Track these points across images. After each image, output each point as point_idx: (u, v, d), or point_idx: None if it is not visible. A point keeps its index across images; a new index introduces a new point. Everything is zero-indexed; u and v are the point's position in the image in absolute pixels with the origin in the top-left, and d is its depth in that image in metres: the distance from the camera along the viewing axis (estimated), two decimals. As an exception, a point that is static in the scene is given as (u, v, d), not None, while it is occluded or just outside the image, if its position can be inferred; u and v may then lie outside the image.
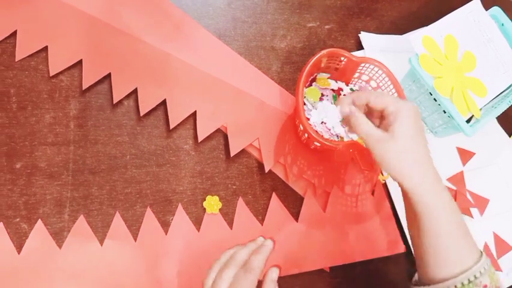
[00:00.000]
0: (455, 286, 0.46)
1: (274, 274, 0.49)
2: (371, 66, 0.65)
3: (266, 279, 0.48)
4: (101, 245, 0.57)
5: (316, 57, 0.62)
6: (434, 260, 0.48)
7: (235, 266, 0.47)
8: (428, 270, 0.49)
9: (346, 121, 0.50)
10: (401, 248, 0.67)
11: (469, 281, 0.46)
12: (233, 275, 0.47)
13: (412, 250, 0.53)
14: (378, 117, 0.51)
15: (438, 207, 0.47)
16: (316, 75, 0.68)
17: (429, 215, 0.47)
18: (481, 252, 0.49)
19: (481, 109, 0.66)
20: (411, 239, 0.52)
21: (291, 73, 0.72)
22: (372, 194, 0.68)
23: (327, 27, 0.76)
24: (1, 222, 0.55)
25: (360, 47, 0.76)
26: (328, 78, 0.68)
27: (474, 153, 0.74)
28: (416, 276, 0.53)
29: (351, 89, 0.69)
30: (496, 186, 0.73)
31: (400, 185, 0.48)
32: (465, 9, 0.68)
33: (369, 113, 0.50)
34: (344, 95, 0.60)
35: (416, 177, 0.46)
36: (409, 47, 0.65)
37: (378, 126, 0.49)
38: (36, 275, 0.54)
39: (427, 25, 0.67)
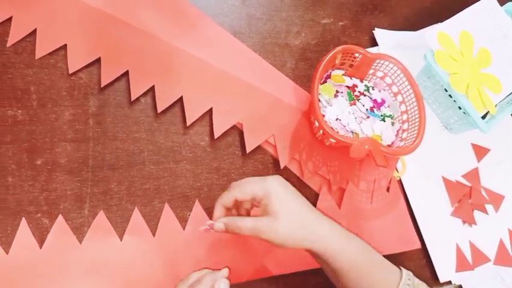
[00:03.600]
0: None
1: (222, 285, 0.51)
2: (386, 63, 0.65)
3: None
4: (121, 240, 0.58)
5: (331, 53, 0.62)
6: None
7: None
8: None
9: (233, 231, 0.49)
10: (417, 245, 0.67)
11: None
12: None
13: None
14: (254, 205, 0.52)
15: (352, 256, 0.49)
16: (331, 72, 0.69)
17: (347, 266, 0.49)
18: (399, 269, 0.51)
19: (496, 105, 0.66)
20: None
21: (305, 70, 0.72)
22: (388, 190, 0.68)
23: (341, 23, 0.77)
24: (23, 218, 0.56)
25: (374, 43, 0.76)
26: (343, 74, 0.69)
27: (489, 150, 0.74)
28: None
29: (366, 86, 0.69)
30: (511, 182, 0.73)
31: (308, 250, 0.49)
32: (480, 5, 0.68)
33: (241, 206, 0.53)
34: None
35: (316, 239, 0.48)
36: (424, 44, 0.65)
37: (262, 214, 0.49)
38: (57, 270, 0.55)
39: (441, 21, 0.67)
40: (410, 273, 0.51)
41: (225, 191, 0.51)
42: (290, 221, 0.47)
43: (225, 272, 0.51)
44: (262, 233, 0.47)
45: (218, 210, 0.51)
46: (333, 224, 0.50)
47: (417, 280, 0.51)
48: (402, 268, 0.51)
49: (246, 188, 0.49)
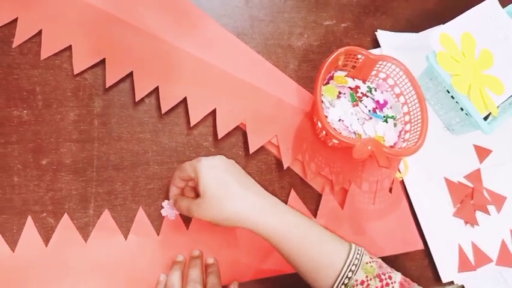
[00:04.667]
0: None
1: (236, 287, 0.57)
2: (388, 64, 0.66)
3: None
4: (126, 239, 0.58)
5: (334, 55, 0.62)
6: (313, 276, 0.49)
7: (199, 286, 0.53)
8: None
9: (177, 209, 0.56)
10: (419, 245, 0.67)
11: (345, 285, 0.47)
12: None
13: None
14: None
15: (279, 228, 0.48)
16: (333, 73, 0.69)
17: (276, 239, 0.48)
18: (349, 246, 0.49)
19: (498, 106, 0.67)
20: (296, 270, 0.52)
21: (308, 71, 0.72)
22: (390, 191, 0.69)
23: (343, 25, 0.77)
24: (29, 216, 0.57)
25: (376, 44, 0.77)
26: (345, 76, 0.69)
27: (491, 151, 0.74)
28: None
29: (368, 87, 0.69)
30: (512, 183, 0.74)
31: (240, 226, 0.50)
32: (482, 6, 0.69)
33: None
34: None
35: (241, 216, 0.49)
36: (426, 45, 0.65)
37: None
38: (63, 268, 0.56)
39: (443, 23, 0.67)
40: (362, 249, 0.50)
41: (173, 177, 0.56)
42: (214, 202, 0.49)
43: (213, 260, 0.58)
44: (194, 212, 0.51)
45: (171, 190, 0.57)
46: (262, 199, 0.50)
47: (367, 258, 0.49)
48: (352, 245, 0.50)
49: (184, 169, 0.53)
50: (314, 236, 0.50)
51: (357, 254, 0.49)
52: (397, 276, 0.49)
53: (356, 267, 0.47)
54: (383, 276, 0.48)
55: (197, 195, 0.54)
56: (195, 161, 0.52)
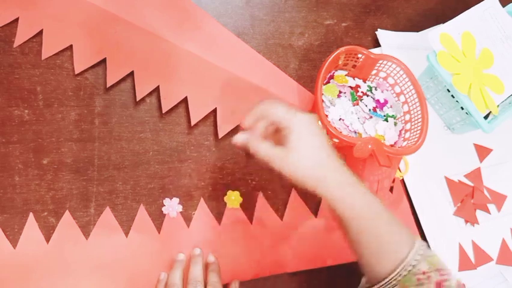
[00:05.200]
0: (396, 280, 0.46)
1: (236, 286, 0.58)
2: (389, 63, 0.66)
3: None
4: (126, 237, 0.58)
5: (335, 54, 0.63)
6: (374, 260, 0.48)
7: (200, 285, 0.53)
8: (371, 273, 0.49)
9: (245, 150, 0.50)
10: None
11: (408, 271, 0.46)
12: None
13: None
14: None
15: (355, 205, 0.47)
16: (334, 73, 0.69)
17: (349, 215, 0.47)
18: (415, 237, 0.49)
19: (498, 106, 0.67)
20: (350, 249, 0.51)
21: (308, 70, 0.72)
22: (391, 190, 0.69)
23: (344, 24, 0.77)
24: (31, 213, 0.57)
25: (377, 44, 0.77)
26: (346, 75, 0.69)
27: (491, 150, 0.74)
28: (362, 281, 0.53)
29: (369, 86, 0.69)
30: (513, 182, 0.74)
31: (316, 192, 0.48)
32: (482, 6, 0.69)
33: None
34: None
35: (323, 182, 0.47)
36: (426, 44, 0.65)
37: (278, 140, 0.49)
38: (64, 265, 0.56)
39: (443, 22, 0.67)
40: (425, 244, 0.49)
41: (258, 105, 0.50)
42: (300, 159, 0.47)
43: (213, 258, 0.58)
44: (272, 162, 0.48)
45: (249, 119, 0.50)
46: (345, 174, 0.48)
47: (430, 252, 0.49)
48: (418, 237, 0.49)
49: (275, 111, 0.49)
50: (385, 219, 0.49)
51: (423, 245, 0.49)
52: (455, 276, 0.48)
53: (420, 257, 0.47)
54: (442, 272, 0.47)
55: (277, 142, 0.50)
56: (289, 111, 0.48)
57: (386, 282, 0.47)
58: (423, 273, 0.46)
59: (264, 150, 0.49)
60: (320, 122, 0.61)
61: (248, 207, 0.64)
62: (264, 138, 0.50)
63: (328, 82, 0.69)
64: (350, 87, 0.69)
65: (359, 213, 0.48)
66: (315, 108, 0.63)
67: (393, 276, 0.46)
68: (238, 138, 0.50)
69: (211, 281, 0.55)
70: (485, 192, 0.72)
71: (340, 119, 0.67)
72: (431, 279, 0.46)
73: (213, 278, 0.55)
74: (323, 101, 0.66)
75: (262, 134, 0.51)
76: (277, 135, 0.50)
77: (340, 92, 0.69)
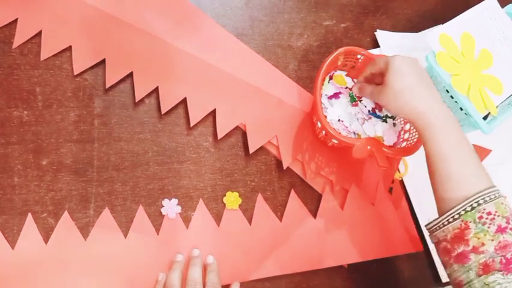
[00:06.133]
0: (459, 214, 0.48)
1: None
2: (388, 64, 0.66)
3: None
4: (125, 237, 0.58)
5: (334, 55, 0.63)
6: (447, 185, 0.50)
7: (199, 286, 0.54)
8: (440, 202, 0.51)
9: (361, 95, 0.65)
10: (418, 247, 0.67)
11: (472, 207, 0.47)
12: None
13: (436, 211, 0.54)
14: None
15: (442, 130, 0.51)
16: (333, 73, 0.69)
17: (434, 137, 0.51)
18: (492, 184, 0.50)
19: (497, 106, 0.67)
20: (430, 179, 0.54)
21: (308, 71, 0.72)
22: (390, 192, 0.69)
23: (343, 25, 0.77)
24: (29, 213, 0.57)
25: (376, 45, 0.77)
26: (345, 75, 0.69)
27: (490, 150, 0.74)
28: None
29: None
30: (512, 183, 0.74)
31: (410, 122, 0.56)
32: (481, 6, 0.69)
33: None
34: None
35: (409, 110, 0.54)
36: (425, 45, 0.65)
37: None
38: (62, 265, 0.56)
39: (442, 23, 0.67)
40: (500, 192, 0.50)
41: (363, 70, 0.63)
42: (398, 94, 0.54)
43: (212, 259, 0.59)
44: (375, 96, 0.59)
45: (359, 79, 0.64)
46: (437, 104, 0.54)
47: (503, 199, 0.49)
48: (494, 185, 0.50)
49: (376, 62, 0.59)
50: (471, 157, 0.51)
51: (497, 191, 0.50)
52: None
53: (490, 199, 0.48)
54: (511, 221, 0.48)
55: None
56: (386, 56, 0.58)
57: (449, 214, 0.49)
58: (489, 213, 0.47)
59: (368, 89, 0.60)
60: (319, 123, 0.61)
61: (247, 208, 0.64)
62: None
63: (331, 78, 0.68)
64: (349, 88, 0.69)
65: (448, 139, 0.51)
66: (314, 109, 0.64)
67: (458, 209, 0.48)
68: (355, 88, 0.65)
69: (210, 282, 0.55)
70: (485, 193, 0.71)
71: (339, 119, 0.67)
72: (495, 222, 0.47)
73: (212, 279, 0.55)
74: (322, 102, 0.66)
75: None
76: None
77: (340, 92, 0.69)
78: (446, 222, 0.49)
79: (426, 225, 0.54)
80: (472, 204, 0.47)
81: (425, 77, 0.56)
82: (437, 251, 0.53)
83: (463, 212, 0.48)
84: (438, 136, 0.51)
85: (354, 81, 0.69)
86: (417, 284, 0.68)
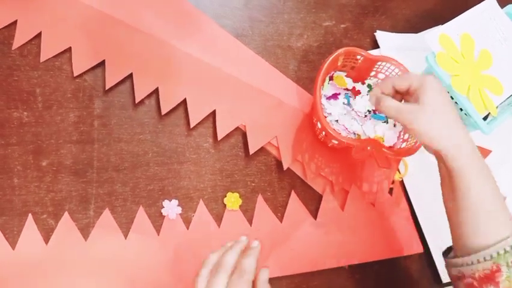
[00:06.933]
0: (491, 256, 0.47)
1: (265, 275, 0.49)
2: (388, 65, 0.66)
3: (259, 280, 0.48)
4: (125, 238, 0.58)
5: (334, 55, 0.63)
6: (470, 230, 0.49)
7: (226, 272, 0.46)
8: (464, 242, 0.49)
9: (378, 109, 0.54)
10: (419, 249, 0.67)
11: (505, 251, 0.46)
12: (226, 282, 0.46)
13: (449, 226, 0.53)
14: (405, 96, 0.54)
15: (472, 171, 0.48)
16: (333, 74, 0.69)
17: (463, 178, 0.48)
18: None
19: (497, 107, 0.67)
20: (447, 213, 0.52)
21: (307, 72, 0.72)
22: (390, 193, 0.69)
23: (342, 26, 0.77)
24: (30, 214, 0.57)
25: (375, 45, 0.77)
26: (344, 76, 0.69)
27: (490, 151, 0.74)
28: (452, 253, 0.53)
29: (369, 85, 0.69)
30: (512, 183, 0.74)
31: (434, 152, 0.50)
32: (480, 7, 0.69)
33: (397, 95, 0.55)
34: (376, 84, 0.64)
35: (446, 139, 0.48)
36: (425, 46, 0.65)
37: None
38: (63, 265, 0.56)
39: (442, 24, 0.67)
40: None
41: (380, 82, 0.56)
42: (432, 115, 0.48)
43: (257, 244, 0.50)
44: (405, 115, 0.50)
45: (375, 90, 0.54)
46: (467, 137, 0.50)
47: None
48: None
49: (405, 77, 0.52)
50: (497, 198, 0.50)
51: None
52: None
53: None
54: None
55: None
56: (418, 74, 0.52)
57: (480, 255, 0.47)
58: None
59: (395, 105, 0.51)
60: (319, 124, 0.61)
61: (247, 209, 0.64)
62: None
63: (331, 79, 0.69)
64: (347, 89, 0.69)
65: (477, 181, 0.48)
66: (314, 109, 0.64)
67: (491, 251, 0.47)
68: (372, 99, 0.54)
69: (243, 266, 0.48)
70: (485, 193, 0.71)
71: (338, 120, 0.67)
72: None
73: (245, 263, 0.48)
74: (321, 102, 0.66)
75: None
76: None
77: (339, 93, 0.69)
78: (475, 261, 0.48)
79: (446, 255, 0.53)
80: (505, 248, 0.47)
81: (452, 102, 0.51)
82: (453, 279, 0.51)
83: (495, 255, 0.47)
84: (476, 181, 0.48)
85: (353, 84, 0.69)
86: (417, 285, 0.68)
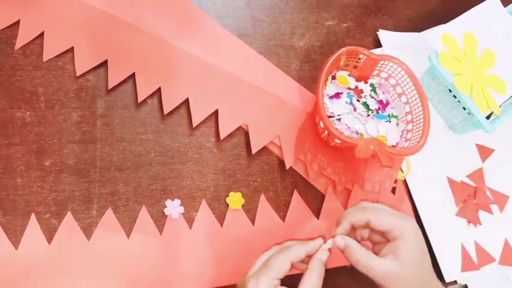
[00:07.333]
0: None
1: (323, 255, 0.46)
2: (390, 64, 0.66)
3: (314, 257, 0.46)
4: (128, 238, 0.58)
5: (336, 55, 0.62)
6: None
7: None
8: None
9: (342, 252, 0.47)
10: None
11: None
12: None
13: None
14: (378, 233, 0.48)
15: None
16: (335, 73, 0.69)
17: None
18: None
19: (500, 106, 0.67)
20: None
21: (310, 71, 0.72)
22: (393, 192, 0.68)
23: (345, 25, 0.77)
24: (33, 214, 0.57)
25: (378, 44, 0.77)
26: (347, 75, 0.69)
27: (493, 150, 0.74)
28: None
29: (372, 84, 0.69)
30: (515, 182, 0.74)
31: None
32: (483, 6, 0.69)
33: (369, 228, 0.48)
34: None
35: None
36: (427, 45, 0.65)
37: (377, 243, 0.48)
38: (65, 265, 0.56)
39: (444, 23, 0.67)
40: None
41: (356, 208, 0.48)
42: (409, 274, 0.44)
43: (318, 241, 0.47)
44: (379, 276, 0.44)
45: (344, 226, 0.47)
46: None
47: None
48: None
49: (384, 219, 0.45)
50: None
51: None
52: None
53: None
54: None
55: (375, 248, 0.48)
56: (400, 217, 0.46)
57: None
58: None
59: (367, 262, 0.44)
60: (321, 123, 0.61)
61: (250, 208, 0.64)
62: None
63: (334, 77, 0.68)
64: (350, 88, 0.69)
65: None
66: (316, 108, 0.63)
67: None
68: (340, 241, 0.46)
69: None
70: (488, 193, 0.71)
71: (341, 119, 0.67)
72: None
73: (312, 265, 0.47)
74: (324, 102, 0.66)
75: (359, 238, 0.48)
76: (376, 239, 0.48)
77: (342, 92, 0.69)
78: None
79: None
80: None
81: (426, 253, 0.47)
82: None
83: None
84: None
85: (356, 83, 0.69)
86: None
